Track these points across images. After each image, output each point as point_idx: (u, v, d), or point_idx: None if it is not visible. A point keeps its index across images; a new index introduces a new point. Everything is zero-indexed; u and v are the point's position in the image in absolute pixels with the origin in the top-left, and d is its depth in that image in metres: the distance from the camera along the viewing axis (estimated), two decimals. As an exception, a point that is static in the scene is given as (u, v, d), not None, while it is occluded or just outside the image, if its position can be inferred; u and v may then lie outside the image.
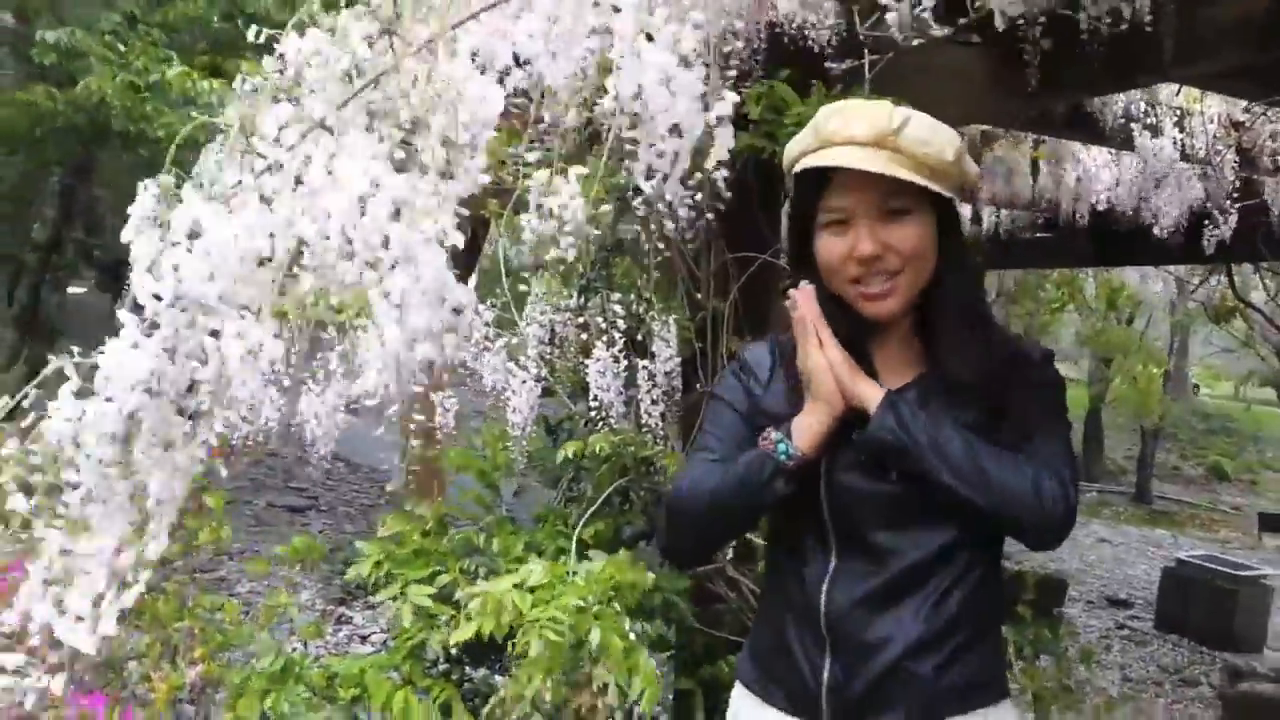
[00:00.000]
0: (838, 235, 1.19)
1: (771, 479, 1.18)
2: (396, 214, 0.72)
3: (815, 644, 1.22)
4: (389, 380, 0.73)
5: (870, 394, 1.18)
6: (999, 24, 1.84)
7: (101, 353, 0.79)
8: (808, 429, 1.19)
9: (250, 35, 0.90)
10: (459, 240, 0.73)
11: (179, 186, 0.93)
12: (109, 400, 0.76)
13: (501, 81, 0.85)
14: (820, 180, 1.19)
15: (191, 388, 0.79)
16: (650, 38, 0.80)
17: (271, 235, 0.75)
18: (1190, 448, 15.24)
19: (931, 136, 1.16)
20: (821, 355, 1.19)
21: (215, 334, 0.78)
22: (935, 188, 1.15)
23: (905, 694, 1.18)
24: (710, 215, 0.93)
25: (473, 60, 0.81)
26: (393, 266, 0.71)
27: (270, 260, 0.76)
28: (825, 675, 1.20)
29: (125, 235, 0.90)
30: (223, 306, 0.76)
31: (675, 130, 0.82)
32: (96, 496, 0.78)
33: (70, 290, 9.81)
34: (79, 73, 5.51)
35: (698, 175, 0.88)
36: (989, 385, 1.20)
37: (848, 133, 1.15)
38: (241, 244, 0.75)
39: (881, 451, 1.17)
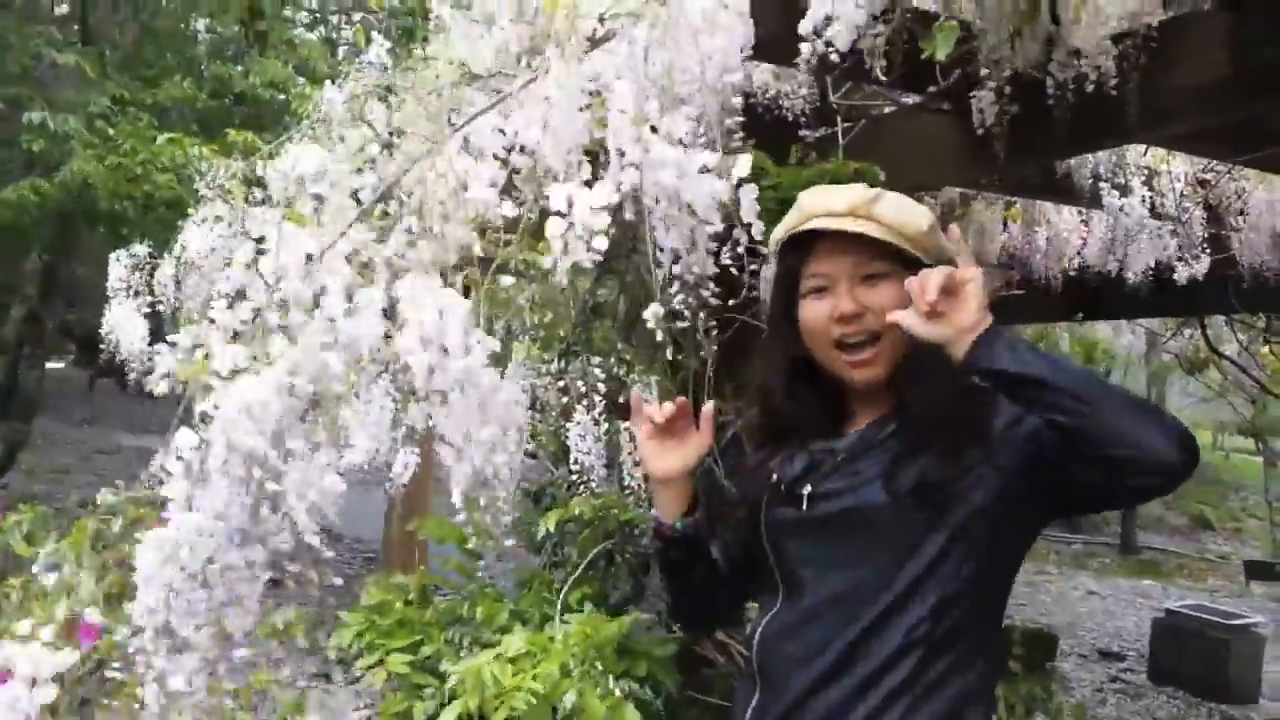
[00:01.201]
0: (819, 299, 1.26)
1: (655, 545, 1.38)
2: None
3: (750, 679, 1.30)
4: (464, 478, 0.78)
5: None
6: (968, 92, 1.89)
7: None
8: (658, 499, 1.36)
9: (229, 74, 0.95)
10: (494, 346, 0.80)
11: (155, 256, 0.98)
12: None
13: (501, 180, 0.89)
14: (803, 252, 1.28)
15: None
16: (655, 129, 0.85)
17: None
18: (1173, 497, 15.27)
19: (903, 207, 1.26)
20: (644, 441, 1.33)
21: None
22: (910, 249, 1.22)
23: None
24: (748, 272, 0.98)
25: (466, 148, 0.85)
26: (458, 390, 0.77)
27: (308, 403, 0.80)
28: (750, 709, 1.27)
29: (108, 314, 0.94)
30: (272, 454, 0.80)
31: (693, 210, 0.88)
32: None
33: (49, 365, 9.74)
34: (67, 157, 5.56)
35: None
36: (954, 421, 1.20)
37: (826, 206, 1.26)
38: (282, 399, 0.79)
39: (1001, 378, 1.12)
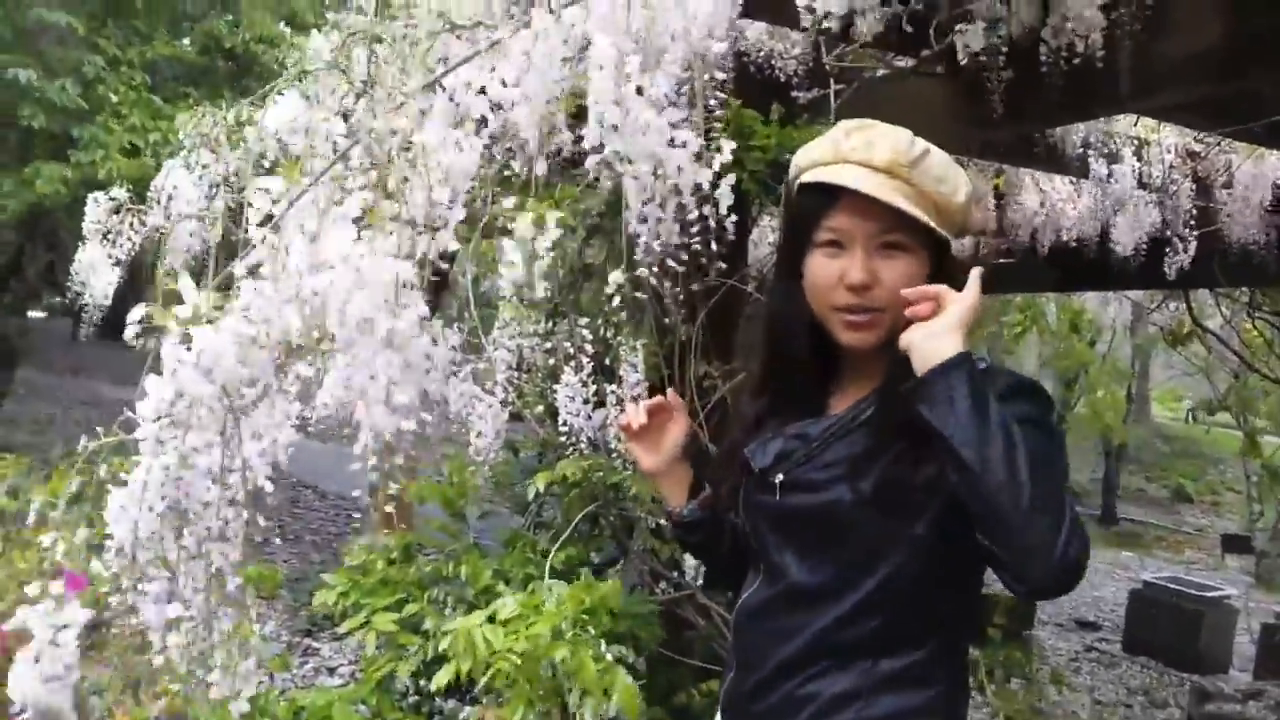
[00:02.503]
0: (831, 257, 1.15)
1: (672, 532, 1.45)
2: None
3: (730, 654, 1.31)
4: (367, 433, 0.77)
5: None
6: (961, 57, 1.87)
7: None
8: (662, 491, 1.40)
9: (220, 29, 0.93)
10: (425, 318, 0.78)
11: (135, 202, 0.97)
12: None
13: (478, 132, 0.87)
14: (826, 198, 1.14)
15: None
16: (640, 91, 0.83)
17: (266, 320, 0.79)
18: (1154, 469, 15.45)
19: (947, 174, 1.14)
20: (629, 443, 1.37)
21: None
22: (939, 228, 1.12)
23: (779, 711, 1.18)
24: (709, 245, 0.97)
25: (450, 103, 0.83)
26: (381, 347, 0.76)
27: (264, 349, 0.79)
28: (728, 683, 1.28)
29: (81, 253, 0.93)
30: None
31: (661, 171, 0.87)
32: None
33: (31, 315, 9.65)
34: (69, 128, 5.49)
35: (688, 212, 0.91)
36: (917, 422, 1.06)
37: (866, 154, 1.12)
38: (240, 347, 0.79)
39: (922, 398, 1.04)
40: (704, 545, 1.43)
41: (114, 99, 5.62)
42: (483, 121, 0.91)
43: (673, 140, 0.93)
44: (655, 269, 1.02)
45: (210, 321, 0.79)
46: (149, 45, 6.17)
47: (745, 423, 1.32)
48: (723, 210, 0.94)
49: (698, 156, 0.89)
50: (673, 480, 1.36)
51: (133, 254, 2.40)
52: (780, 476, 1.20)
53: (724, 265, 1.17)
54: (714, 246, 0.99)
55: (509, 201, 1.00)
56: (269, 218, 0.83)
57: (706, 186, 0.92)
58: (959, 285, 1.11)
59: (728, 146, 0.89)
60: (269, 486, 0.83)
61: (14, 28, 5.63)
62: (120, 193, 2.41)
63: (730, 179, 0.92)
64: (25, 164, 5.70)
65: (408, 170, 0.80)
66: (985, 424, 0.98)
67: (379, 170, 0.79)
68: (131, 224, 2.38)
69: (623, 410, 1.34)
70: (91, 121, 5.55)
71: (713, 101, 1.06)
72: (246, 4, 6.73)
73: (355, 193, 0.79)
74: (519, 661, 1.69)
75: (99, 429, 0.86)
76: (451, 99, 0.89)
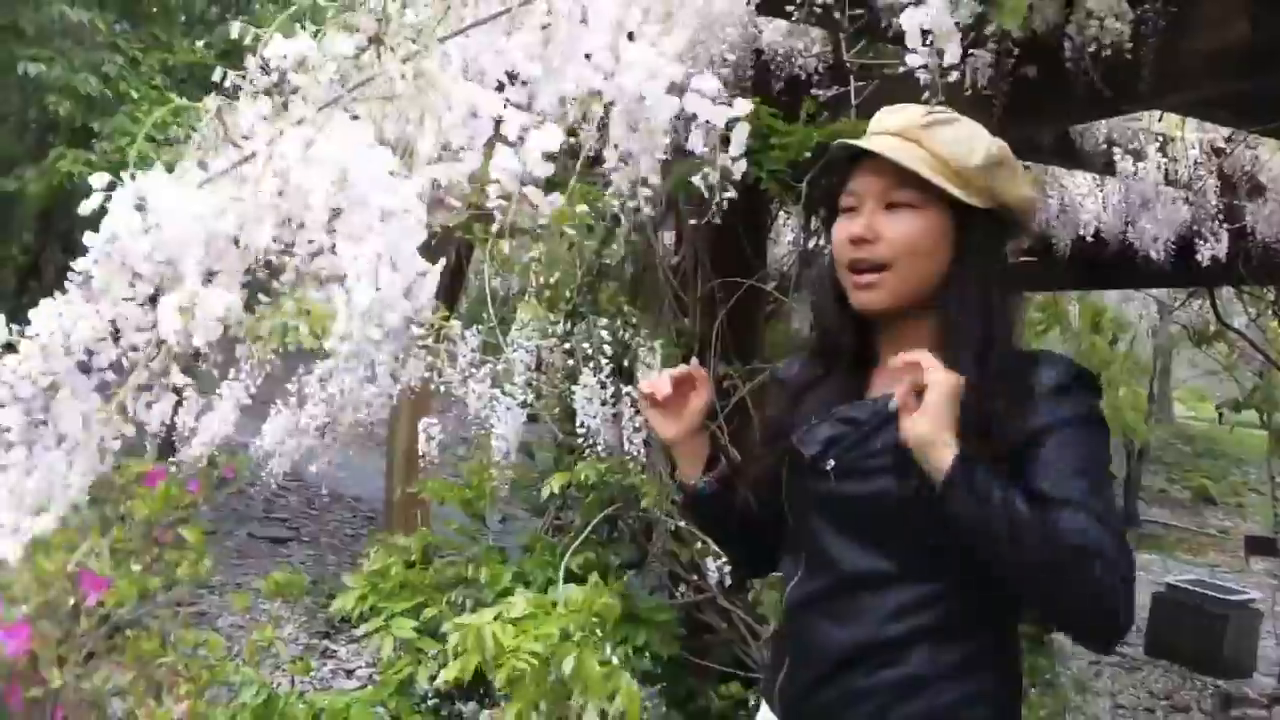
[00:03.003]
0: (847, 219, 1.19)
1: (683, 506, 1.44)
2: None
3: (781, 649, 1.30)
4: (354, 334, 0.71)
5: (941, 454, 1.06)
6: (985, 53, 1.85)
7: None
8: (677, 461, 1.36)
9: (234, 32, 0.90)
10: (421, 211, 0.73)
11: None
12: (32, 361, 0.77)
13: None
14: (846, 166, 1.20)
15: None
16: (631, 36, 0.79)
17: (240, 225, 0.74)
18: (1176, 470, 15.29)
19: (959, 137, 1.15)
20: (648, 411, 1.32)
21: (153, 300, 0.77)
22: (941, 183, 1.12)
23: (841, 705, 1.17)
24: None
25: (465, 75, 0.80)
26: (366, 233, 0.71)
27: (238, 244, 0.75)
28: (782, 674, 1.25)
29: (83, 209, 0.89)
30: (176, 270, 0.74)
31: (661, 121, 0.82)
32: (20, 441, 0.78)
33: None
34: (90, 118, 5.53)
35: (708, 182, 0.87)
36: (986, 415, 1.09)
37: (882, 124, 1.19)
38: (209, 223, 0.74)
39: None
40: (714, 520, 1.42)
41: (135, 96, 5.65)
42: (500, 86, 0.87)
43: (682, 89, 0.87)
44: (672, 269, 0.99)
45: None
46: (169, 51, 6.23)
47: (784, 399, 1.32)
48: (734, 154, 0.89)
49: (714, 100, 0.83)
50: (689, 453, 1.33)
51: None
52: (832, 463, 1.19)
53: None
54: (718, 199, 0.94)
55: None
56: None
57: (721, 126, 0.86)
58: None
59: (743, 103, 0.85)
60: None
61: (36, 24, 5.69)
62: (124, 176, 2.39)
63: (746, 129, 0.88)
64: (46, 154, 5.75)
65: (423, 103, 0.75)
66: (1001, 527, 1.03)
67: (390, 102, 0.75)
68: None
69: (644, 394, 1.32)
70: (113, 114, 5.57)
71: (725, 70, 1.02)
72: (263, 10, 6.77)
73: (363, 119, 0.75)
74: (534, 663, 1.68)
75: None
76: (464, 62, 0.85)
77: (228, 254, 0.75)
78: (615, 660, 1.77)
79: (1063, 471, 1.08)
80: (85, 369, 0.80)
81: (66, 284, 0.79)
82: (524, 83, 0.81)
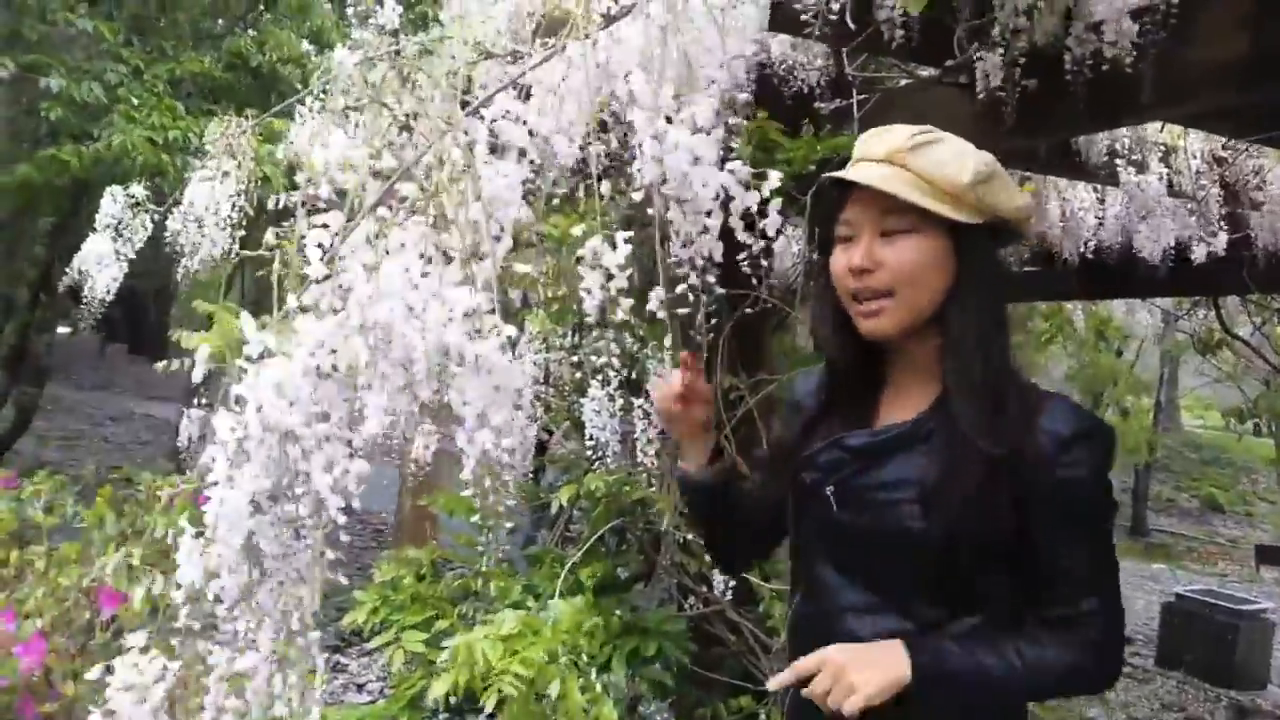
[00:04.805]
0: (844, 249, 1.20)
1: (682, 494, 1.44)
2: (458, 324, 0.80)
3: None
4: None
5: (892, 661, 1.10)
6: (985, 66, 1.87)
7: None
8: (680, 449, 1.40)
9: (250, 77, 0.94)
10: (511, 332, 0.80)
11: (153, 201, 0.98)
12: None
13: (519, 161, 0.89)
14: (838, 195, 1.21)
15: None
16: (670, 120, 0.86)
17: (333, 350, 0.80)
18: (1184, 479, 15.22)
19: (945, 158, 1.15)
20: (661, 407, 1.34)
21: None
22: (934, 207, 1.13)
23: None
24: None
25: (491, 149, 0.85)
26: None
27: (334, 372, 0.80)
28: (788, 699, 1.25)
29: (89, 243, 0.94)
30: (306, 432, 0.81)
31: (706, 199, 0.89)
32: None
33: (59, 330, 9.78)
34: (89, 125, 5.55)
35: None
36: (992, 445, 1.11)
37: (866, 150, 1.19)
38: (311, 379, 0.82)
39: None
40: (706, 512, 1.43)
41: (135, 102, 5.68)
42: (523, 152, 0.92)
43: (721, 164, 0.95)
44: (686, 285, 1.03)
45: (279, 354, 0.80)
46: (175, 62, 6.26)
47: (796, 422, 1.32)
48: (770, 233, 0.96)
49: (746, 186, 0.91)
50: (697, 445, 1.38)
51: (138, 252, 2.36)
52: (832, 488, 1.20)
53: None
54: (761, 266, 1.02)
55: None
56: (322, 250, 0.83)
57: (755, 209, 0.94)
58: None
59: (775, 176, 0.92)
60: (341, 519, 0.84)
61: (41, 32, 5.72)
62: (138, 189, 2.39)
63: (777, 204, 0.95)
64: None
65: (459, 199, 0.81)
66: (993, 688, 1.11)
67: (430, 200, 0.80)
68: (145, 222, 2.36)
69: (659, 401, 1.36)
70: (112, 122, 5.60)
71: (738, 119, 1.08)
72: (270, 23, 6.81)
73: (409, 224, 0.80)
74: (521, 687, 1.69)
75: (139, 460, 0.86)
76: (490, 128, 0.90)
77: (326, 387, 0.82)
78: (599, 687, 1.79)
79: (1060, 580, 1.13)
80: None
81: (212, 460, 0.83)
82: (533, 134, 0.88)
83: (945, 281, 1.17)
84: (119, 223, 2.35)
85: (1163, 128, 3.27)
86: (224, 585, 0.84)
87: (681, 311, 1.03)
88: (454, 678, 1.76)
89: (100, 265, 2.36)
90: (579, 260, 0.88)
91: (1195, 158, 3.39)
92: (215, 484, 0.81)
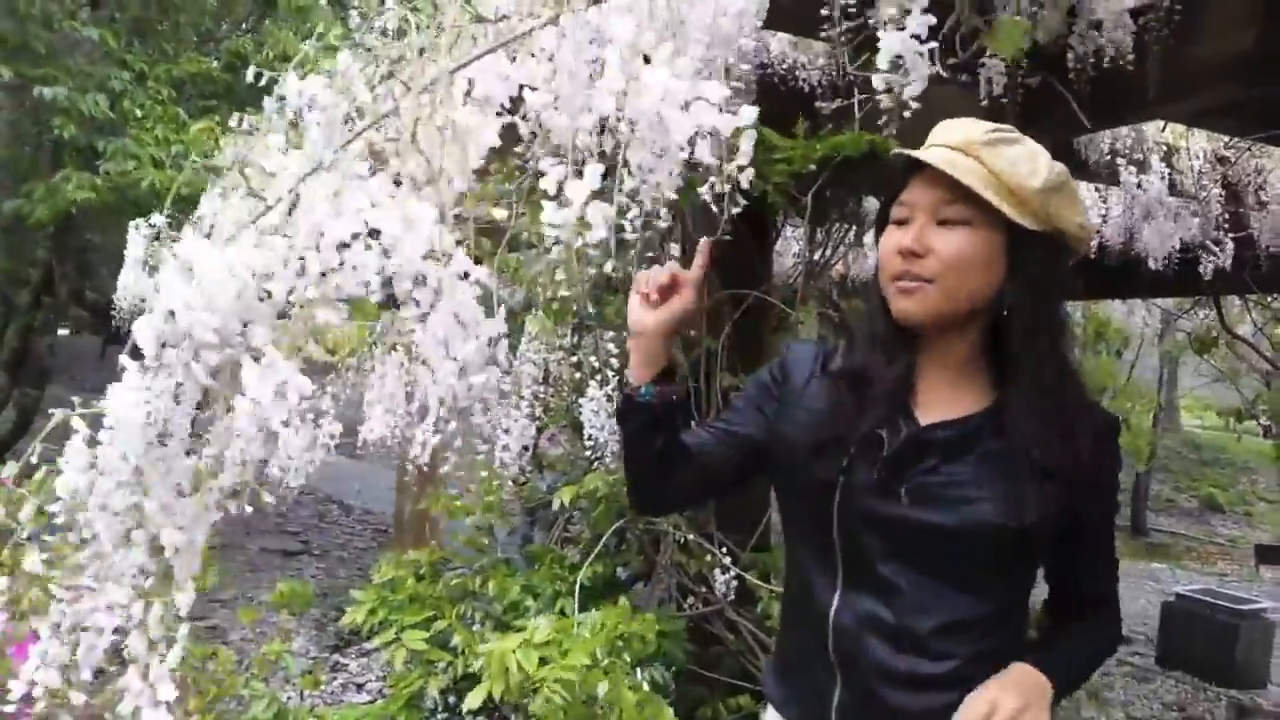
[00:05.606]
0: (898, 229, 1.17)
1: (618, 410, 1.26)
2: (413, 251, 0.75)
3: (825, 669, 1.21)
4: (432, 405, 0.74)
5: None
6: (988, 64, 1.86)
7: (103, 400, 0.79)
8: (631, 359, 1.22)
9: (249, 77, 0.92)
10: (483, 275, 0.75)
11: (174, 228, 0.93)
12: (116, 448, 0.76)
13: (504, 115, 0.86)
14: (902, 175, 1.19)
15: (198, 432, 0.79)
16: (648, 60, 0.81)
17: (270, 274, 0.75)
18: (1184, 479, 15.22)
19: (1020, 158, 1.13)
20: (634, 297, 1.21)
21: (215, 374, 0.77)
22: (996, 203, 1.10)
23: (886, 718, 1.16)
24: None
25: (468, 97, 0.82)
26: (432, 306, 0.73)
27: (270, 296, 0.75)
28: (835, 701, 1.20)
29: (123, 279, 0.90)
30: (227, 345, 0.75)
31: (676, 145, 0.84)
32: (112, 549, 0.78)
33: (60, 332, 9.76)
34: (96, 140, 5.57)
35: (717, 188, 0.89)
36: (1054, 457, 1.12)
37: (942, 137, 1.17)
38: (239, 280, 0.74)
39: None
40: (637, 435, 1.25)
41: (139, 113, 5.68)
42: (505, 110, 0.89)
43: (687, 105, 0.88)
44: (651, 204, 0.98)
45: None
46: (175, 63, 6.27)
47: (843, 395, 1.22)
48: (744, 162, 0.91)
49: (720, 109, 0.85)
50: (650, 349, 1.21)
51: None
52: (907, 484, 1.15)
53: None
54: (728, 211, 0.96)
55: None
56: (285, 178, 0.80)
57: (726, 133, 0.88)
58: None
59: (748, 111, 0.87)
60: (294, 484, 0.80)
61: (47, 43, 5.72)
62: (159, 219, 2.40)
63: (753, 136, 0.90)
64: (54, 174, 5.79)
65: (436, 141, 0.77)
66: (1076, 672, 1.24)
67: (403, 143, 0.77)
68: (169, 253, 2.38)
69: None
70: (118, 135, 5.61)
71: (739, 83, 1.04)
72: (270, 24, 6.82)
73: (380, 160, 0.76)
74: (566, 696, 1.65)
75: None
76: (469, 86, 0.86)
77: (259, 306, 0.75)
78: (646, 686, 1.76)
79: (1101, 562, 1.28)
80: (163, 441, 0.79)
81: (121, 366, 0.78)
82: (524, 116, 0.84)
83: (989, 281, 1.14)
84: (147, 258, 2.38)
85: (1164, 127, 3.26)
86: (103, 502, 0.77)
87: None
88: (489, 687, 1.73)
89: (139, 300, 2.42)
90: (542, 195, 0.82)
91: (1197, 158, 3.39)
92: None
